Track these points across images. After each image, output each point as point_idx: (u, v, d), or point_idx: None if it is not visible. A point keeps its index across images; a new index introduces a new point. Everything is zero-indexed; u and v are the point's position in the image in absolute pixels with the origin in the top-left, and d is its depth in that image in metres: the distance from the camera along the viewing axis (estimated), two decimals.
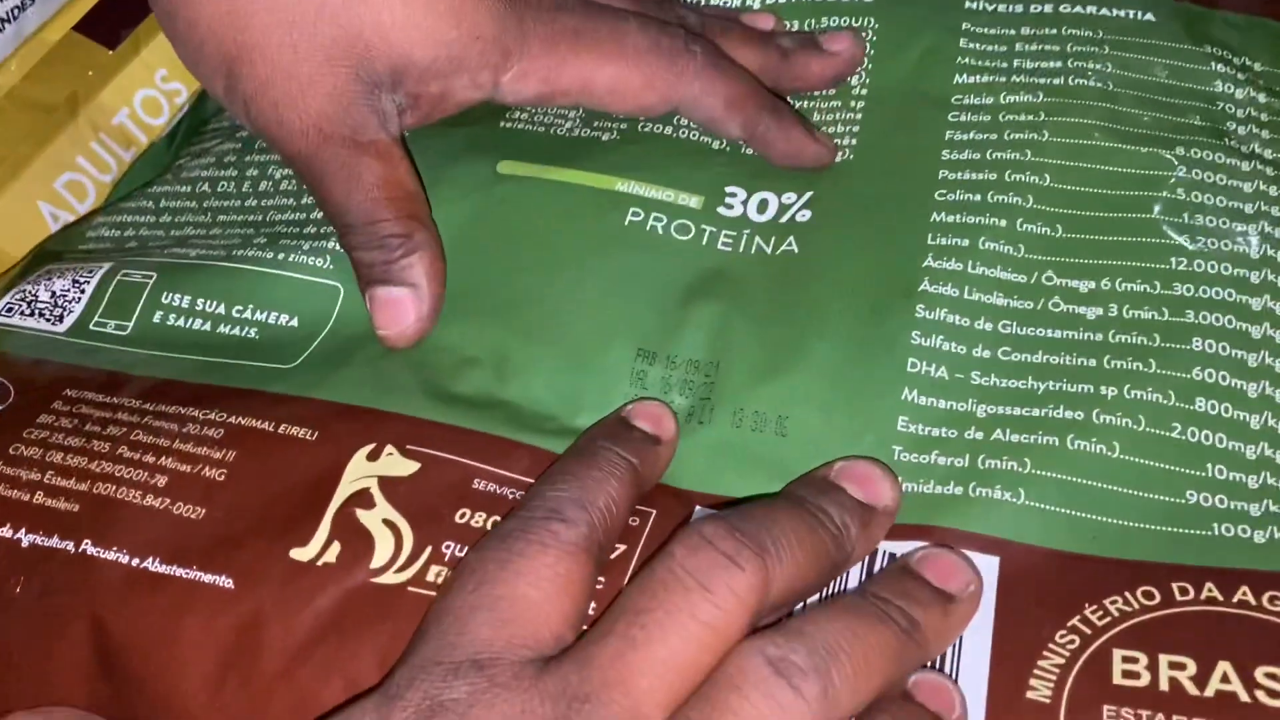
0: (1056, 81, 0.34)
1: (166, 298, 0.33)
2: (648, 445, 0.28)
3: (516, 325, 0.31)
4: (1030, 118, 0.33)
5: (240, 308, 0.32)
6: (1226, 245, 0.30)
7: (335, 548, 0.27)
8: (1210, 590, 0.25)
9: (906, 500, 0.27)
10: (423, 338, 0.31)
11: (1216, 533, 0.26)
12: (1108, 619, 0.25)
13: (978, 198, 0.32)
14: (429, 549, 0.27)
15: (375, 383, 0.30)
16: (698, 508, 0.28)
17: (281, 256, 0.33)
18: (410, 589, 0.26)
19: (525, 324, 0.31)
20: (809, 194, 0.33)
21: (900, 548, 0.27)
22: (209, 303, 0.33)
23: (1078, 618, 0.25)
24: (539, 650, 0.23)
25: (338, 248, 0.32)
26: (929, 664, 0.25)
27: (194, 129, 0.41)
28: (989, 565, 0.26)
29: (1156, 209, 0.31)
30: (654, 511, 0.28)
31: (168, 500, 0.28)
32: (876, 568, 0.27)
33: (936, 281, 0.30)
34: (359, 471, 0.28)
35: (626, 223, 0.32)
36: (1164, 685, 0.24)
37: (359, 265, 0.31)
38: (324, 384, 0.30)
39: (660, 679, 0.23)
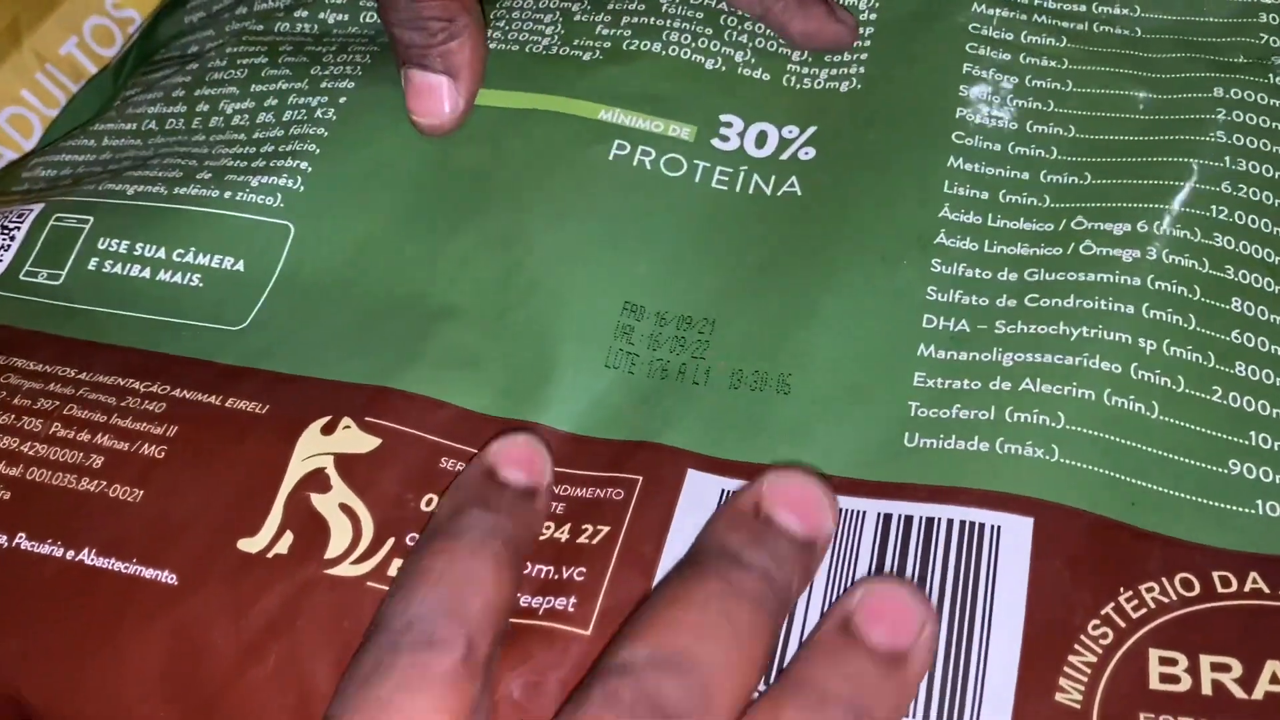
0: (1080, 27, 0.31)
1: (103, 243, 0.30)
2: (522, 505, 0.24)
3: (489, 275, 0.29)
4: (1053, 64, 0.31)
5: (181, 251, 0.30)
6: (1269, 198, 0.28)
7: (288, 538, 0.25)
8: (1255, 582, 0.23)
9: (929, 459, 0.25)
10: (454, 130, 0.31)
11: (1261, 511, 0.24)
12: (1144, 610, 0.23)
13: (998, 147, 0.29)
14: (391, 540, 0.25)
15: (331, 344, 0.28)
16: (690, 471, 0.26)
17: (228, 195, 0.31)
18: (369, 584, 0.24)
19: (498, 273, 0.29)
20: (813, 128, 0.30)
21: (923, 510, 0.24)
22: (148, 247, 0.30)
23: (1111, 605, 0.23)
24: None
25: (289, 184, 0.30)
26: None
27: (142, 59, 0.38)
28: (1023, 528, 0.24)
29: (1195, 156, 0.29)
30: (640, 479, 0.25)
31: (103, 482, 0.26)
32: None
33: (954, 235, 0.28)
34: (312, 448, 0.26)
35: (611, 157, 0.30)
36: (1206, 689, 0.22)
37: (397, 42, 0.31)
38: (276, 350, 0.28)
39: None
